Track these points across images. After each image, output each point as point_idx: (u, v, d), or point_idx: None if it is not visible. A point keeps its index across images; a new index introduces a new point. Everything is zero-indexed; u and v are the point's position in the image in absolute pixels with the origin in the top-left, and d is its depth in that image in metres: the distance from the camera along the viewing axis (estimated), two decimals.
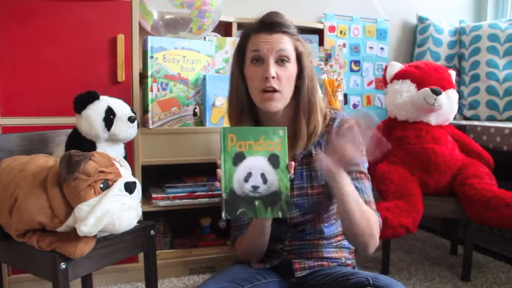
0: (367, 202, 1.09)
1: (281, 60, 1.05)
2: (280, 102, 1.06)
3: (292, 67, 1.07)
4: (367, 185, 1.12)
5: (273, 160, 0.95)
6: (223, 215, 0.93)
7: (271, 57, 1.04)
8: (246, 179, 0.94)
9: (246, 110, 1.12)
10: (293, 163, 0.97)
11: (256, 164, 0.95)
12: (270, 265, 1.16)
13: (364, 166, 1.14)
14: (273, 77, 1.04)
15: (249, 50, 1.08)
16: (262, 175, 0.94)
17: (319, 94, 1.81)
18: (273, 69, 1.04)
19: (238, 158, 0.94)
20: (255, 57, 1.06)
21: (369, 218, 1.04)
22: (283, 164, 0.95)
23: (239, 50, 1.12)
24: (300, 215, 1.13)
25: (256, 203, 0.94)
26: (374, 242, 1.05)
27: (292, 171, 0.97)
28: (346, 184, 0.99)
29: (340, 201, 1.00)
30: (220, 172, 0.94)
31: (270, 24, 1.06)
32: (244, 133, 0.95)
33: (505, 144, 1.81)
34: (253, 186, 0.94)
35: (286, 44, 1.06)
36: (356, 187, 1.07)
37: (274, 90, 1.05)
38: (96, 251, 1.03)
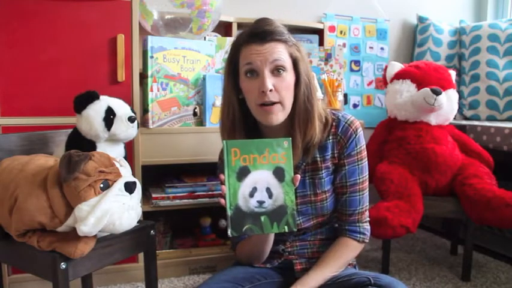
0: (358, 213, 1.13)
1: (277, 71, 1.00)
2: (281, 113, 1.02)
3: (289, 76, 1.02)
4: (366, 194, 1.15)
5: (278, 173, 0.92)
6: (229, 232, 0.90)
7: (266, 69, 0.99)
8: (251, 194, 0.91)
9: (238, 123, 1.08)
10: (298, 176, 0.95)
11: (261, 178, 0.92)
12: (270, 265, 1.16)
13: (367, 173, 1.15)
14: (271, 90, 0.99)
15: (242, 63, 1.03)
16: (268, 189, 0.92)
17: (319, 95, 1.81)
18: (270, 82, 0.99)
19: (243, 172, 0.91)
20: (248, 71, 1.01)
21: (345, 262, 1.11)
22: (288, 177, 0.93)
23: (230, 63, 1.07)
24: (303, 221, 1.13)
25: (262, 218, 0.91)
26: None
27: (297, 184, 0.95)
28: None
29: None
30: (224, 188, 0.91)
31: (261, 33, 1.00)
32: (248, 146, 0.92)
33: (505, 144, 1.81)
34: (258, 202, 0.91)
35: (280, 53, 1.00)
36: (356, 199, 1.12)
37: (273, 103, 1.00)
38: (96, 251, 1.03)
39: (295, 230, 0.94)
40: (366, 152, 1.14)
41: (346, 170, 1.11)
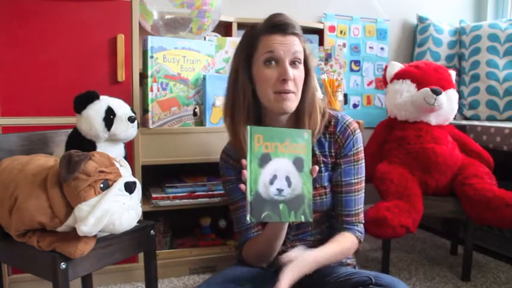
0: (354, 214, 1.12)
1: (294, 63, 1.05)
2: (294, 102, 1.06)
3: (302, 69, 1.07)
4: (360, 195, 1.14)
5: (298, 163, 0.94)
6: (248, 218, 0.90)
7: (287, 60, 1.03)
8: (271, 182, 0.91)
9: (252, 113, 1.09)
10: (317, 167, 0.96)
11: (281, 166, 0.93)
12: (273, 269, 1.15)
13: (363, 175, 1.14)
14: (291, 80, 1.03)
15: (261, 51, 1.05)
16: (287, 178, 0.92)
17: (319, 95, 1.81)
18: (291, 72, 1.03)
19: (264, 159, 0.92)
20: (268, 59, 1.04)
21: (340, 250, 1.08)
22: (307, 167, 0.94)
23: (246, 52, 1.08)
24: None
25: (281, 206, 0.92)
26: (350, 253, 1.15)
27: (315, 175, 0.96)
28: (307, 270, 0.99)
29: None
30: (246, 173, 0.91)
31: (283, 25, 1.04)
32: (270, 134, 0.93)
33: (505, 144, 1.81)
34: (278, 189, 0.92)
35: (298, 46, 1.05)
36: (352, 199, 1.12)
37: (290, 92, 1.04)
38: (96, 251, 1.03)
39: (311, 220, 0.94)
40: (363, 154, 1.15)
41: (342, 169, 1.12)
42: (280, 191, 0.92)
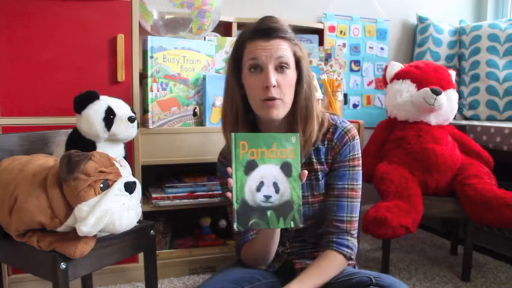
0: (346, 221, 1.09)
1: (280, 67, 1.02)
2: (282, 109, 1.03)
3: (291, 73, 1.04)
4: (355, 203, 1.11)
5: (286, 168, 0.92)
6: (235, 226, 0.89)
7: (271, 65, 1.00)
8: (258, 189, 0.90)
9: (241, 118, 1.08)
10: (306, 172, 0.95)
11: (268, 172, 0.91)
12: (272, 269, 1.15)
13: (359, 182, 1.12)
14: (274, 86, 1.00)
15: (246, 58, 1.03)
16: (275, 184, 0.91)
17: (319, 95, 1.81)
18: (274, 78, 1.00)
19: (250, 166, 0.90)
20: (252, 66, 1.02)
21: (327, 279, 1.05)
22: (295, 172, 0.93)
23: (234, 58, 1.08)
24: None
25: (268, 213, 0.90)
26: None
27: (304, 180, 0.94)
28: None
29: None
30: (231, 182, 0.90)
31: (267, 30, 1.01)
32: (256, 140, 0.92)
33: (505, 144, 1.81)
34: (265, 196, 0.90)
35: (284, 50, 1.02)
36: (344, 205, 1.09)
37: (276, 98, 1.01)
38: (96, 251, 1.03)
39: (301, 226, 0.93)
40: (360, 162, 1.12)
41: (336, 173, 1.11)
42: (267, 197, 0.91)
